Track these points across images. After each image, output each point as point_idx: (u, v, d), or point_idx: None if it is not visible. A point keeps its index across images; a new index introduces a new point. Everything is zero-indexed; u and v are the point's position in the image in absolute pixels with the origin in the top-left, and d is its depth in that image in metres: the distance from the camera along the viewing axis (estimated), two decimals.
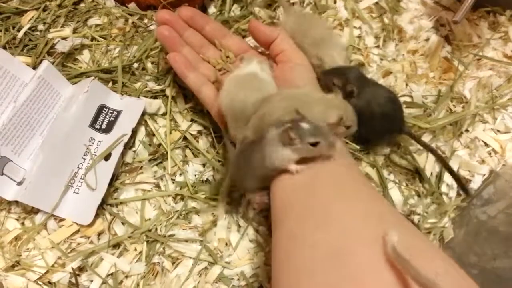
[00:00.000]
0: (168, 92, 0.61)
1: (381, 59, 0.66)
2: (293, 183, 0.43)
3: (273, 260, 0.40)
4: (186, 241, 0.55)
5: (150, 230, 0.55)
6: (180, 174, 0.59)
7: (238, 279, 0.53)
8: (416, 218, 0.58)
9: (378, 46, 0.67)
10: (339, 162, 0.43)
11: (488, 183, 0.60)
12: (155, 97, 0.62)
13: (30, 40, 0.65)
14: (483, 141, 0.62)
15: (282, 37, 0.55)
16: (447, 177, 0.60)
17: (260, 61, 0.52)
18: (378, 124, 0.55)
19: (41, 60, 0.62)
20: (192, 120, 0.62)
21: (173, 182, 0.58)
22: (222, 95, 0.51)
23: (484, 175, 0.60)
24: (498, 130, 0.64)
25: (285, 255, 0.38)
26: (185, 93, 0.63)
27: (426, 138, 0.61)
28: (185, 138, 0.61)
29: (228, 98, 0.50)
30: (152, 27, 0.67)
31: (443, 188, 0.60)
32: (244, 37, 0.66)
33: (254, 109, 0.48)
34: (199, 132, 0.62)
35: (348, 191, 0.40)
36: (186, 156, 0.60)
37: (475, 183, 0.60)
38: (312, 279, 0.33)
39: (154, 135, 0.60)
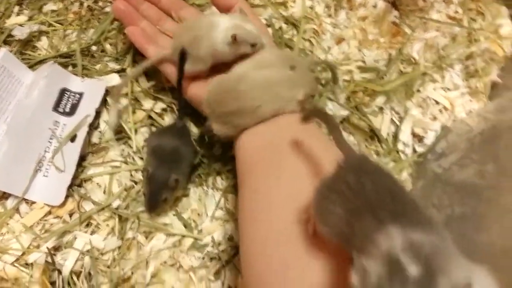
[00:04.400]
0: (128, 71, 0.62)
1: (334, 27, 0.69)
2: (256, 144, 0.45)
3: (239, 216, 0.43)
4: (159, 214, 0.57)
5: (117, 208, 0.56)
6: None
7: (212, 246, 0.56)
8: None
9: (330, 15, 0.69)
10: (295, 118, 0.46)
11: (441, 138, 0.64)
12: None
13: None
14: (434, 99, 0.66)
15: (240, 4, 0.57)
16: (403, 136, 0.63)
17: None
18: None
19: None
20: (155, 99, 0.63)
21: (141, 159, 0.59)
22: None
23: (436, 131, 0.64)
24: (447, 88, 0.67)
25: (249, 205, 0.41)
26: (146, 72, 0.64)
27: (380, 100, 0.64)
28: (150, 117, 0.62)
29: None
30: (107, 9, 0.67)
31: (400, 147, 0.63)
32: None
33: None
34: (164, 110, 0.63)
35: (303, 146, 0.43)
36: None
37: (428, 139, 0.64)
38: (271, 221, 0.36)
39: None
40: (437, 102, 0.66)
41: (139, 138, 0.60)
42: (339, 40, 0.68)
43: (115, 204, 0.56)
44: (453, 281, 0.22)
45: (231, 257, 0.54)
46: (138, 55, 0.63)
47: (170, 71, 0.56)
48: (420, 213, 0.27)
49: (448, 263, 0.23)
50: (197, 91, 0.55)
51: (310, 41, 0.68)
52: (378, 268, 0.23)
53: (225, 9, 0.58)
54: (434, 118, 0.65)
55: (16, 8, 0.67)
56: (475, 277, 0.23)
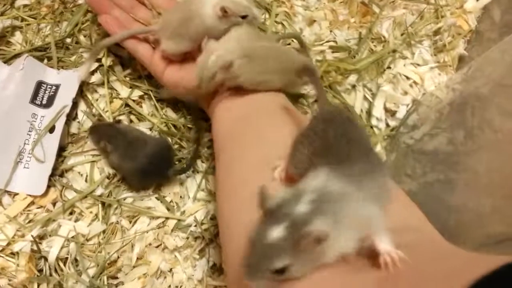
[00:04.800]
0: (104, 61, 0.63)
1: (305, 10, 0.70)
2: (232, 117, 0.47)
3: (216, 180, 0.45)
4: (142, 199, 0.58)
5: (100, 195, 0.57)
6: None
7: (195, 225, 0.57)
8: None
9: None
10: (269, 94, 0.48)
11: (412, 111, 0.66)
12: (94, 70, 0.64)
13: None
14: (404, 75, 0.68)
15: None
16: (376, 112, 0.65)
17: None
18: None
19: None
20: (131, 87, 0.64)
21: None
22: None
23: (407, 105, 0.66)
24: (417, 64, 0.69)
25: (226, 173, 0.42)
26: (122, 61, 0.64)
27: (352, 78, 0.66)
28: (128, 105, 0.63)
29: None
30: (80, 1, 0.67)
31: (373, 122, 0.65)
32: None
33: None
34: (141, 97, 0.64)
35: (277, 118, 0.45)
36: (132, 121, 0.62)
37: (400, 113, 0.66)
38: (246, 186, 0.38)
39: (93, 105, 0.62)
40: (407, 78, 0.68)
41: None
42: (311, 22, 0.70)
43: (98, 191, 0.57)
44: (318, 228, 0.26)
45: (214, 236, 0.56)
46: (113, 45, 0.63)
47: (146, 53, 0.57)
48: (362, 162, 0.32)
49: (336, 212, 0.28)
50: (173, 76, 0.56)
51: (282, 24, 0.69)
52: (285, 194, 0.29)
53: None
54: (405, 93, 0.67)
55: None
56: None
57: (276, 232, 0.26)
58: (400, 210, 0.36)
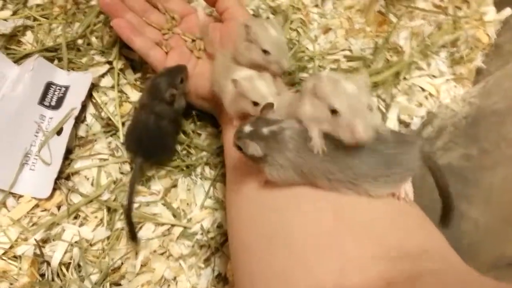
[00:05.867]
0: (115, 64, 0.62)
1: (321, 17, 0.69)
2: None
3: (226, 188, 0.44)
4: (148, 205, 0.57)
5: (107, 200, 0.56)
6: None
7: (201, 234, 0.56)
8: None
9: (317, 5, 0.70)
10: None
11: (427, 124, 0.65)
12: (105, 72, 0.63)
13: None
14: (419, 86, 0.67)
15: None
16: (389, 123, 0.64)
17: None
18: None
19: None
20: (142, 91, 0.63)
21: None
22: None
23: (422, 117, 0.65)
24: (433, 75, 0.68)
25: (236, 212, 0.42)
26: (133, 65, 0.64)
27: None
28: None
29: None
30: (93, 2, 0.67)
31: None
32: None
33: None
34: None
35: None
36: None
37: (414, 125, 0.64)
38: (254, 227, 0.38)
39: (102, 108, 0.61)
40: (422, 89, 0.67)
41: None
42: (326, 30, 0.69)
43: (104, 196, 0.56)
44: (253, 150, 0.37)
45: (220, 244, 0.55)
46: (124, 48, 0.63)
47: (158, 58, 0.56)
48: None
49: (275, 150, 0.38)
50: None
51: (297, 31, 0.68)
52: (274, 116, 0.40)
53: (211, 1, 0.58)
54: (420, 105, 0.66)
55: (0, 3, 0.66)
56: None
57: (247, 128, 0.38)
58: (418, 232, 0.34)
